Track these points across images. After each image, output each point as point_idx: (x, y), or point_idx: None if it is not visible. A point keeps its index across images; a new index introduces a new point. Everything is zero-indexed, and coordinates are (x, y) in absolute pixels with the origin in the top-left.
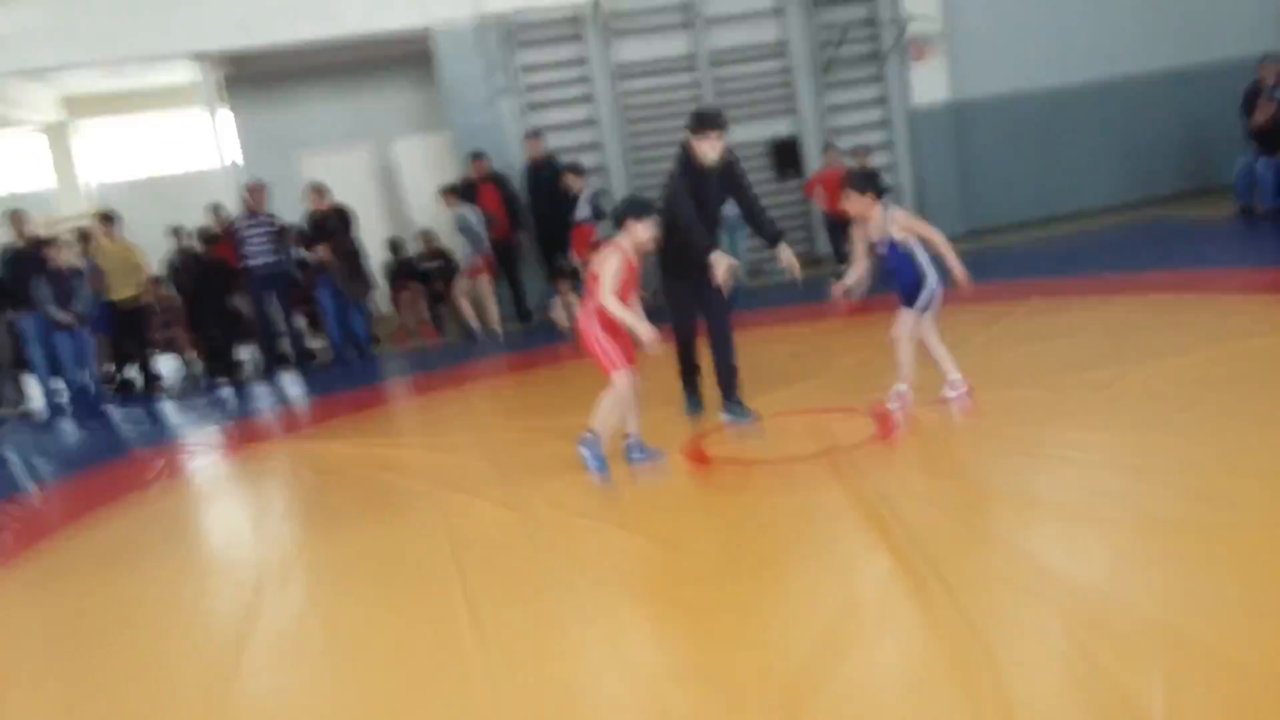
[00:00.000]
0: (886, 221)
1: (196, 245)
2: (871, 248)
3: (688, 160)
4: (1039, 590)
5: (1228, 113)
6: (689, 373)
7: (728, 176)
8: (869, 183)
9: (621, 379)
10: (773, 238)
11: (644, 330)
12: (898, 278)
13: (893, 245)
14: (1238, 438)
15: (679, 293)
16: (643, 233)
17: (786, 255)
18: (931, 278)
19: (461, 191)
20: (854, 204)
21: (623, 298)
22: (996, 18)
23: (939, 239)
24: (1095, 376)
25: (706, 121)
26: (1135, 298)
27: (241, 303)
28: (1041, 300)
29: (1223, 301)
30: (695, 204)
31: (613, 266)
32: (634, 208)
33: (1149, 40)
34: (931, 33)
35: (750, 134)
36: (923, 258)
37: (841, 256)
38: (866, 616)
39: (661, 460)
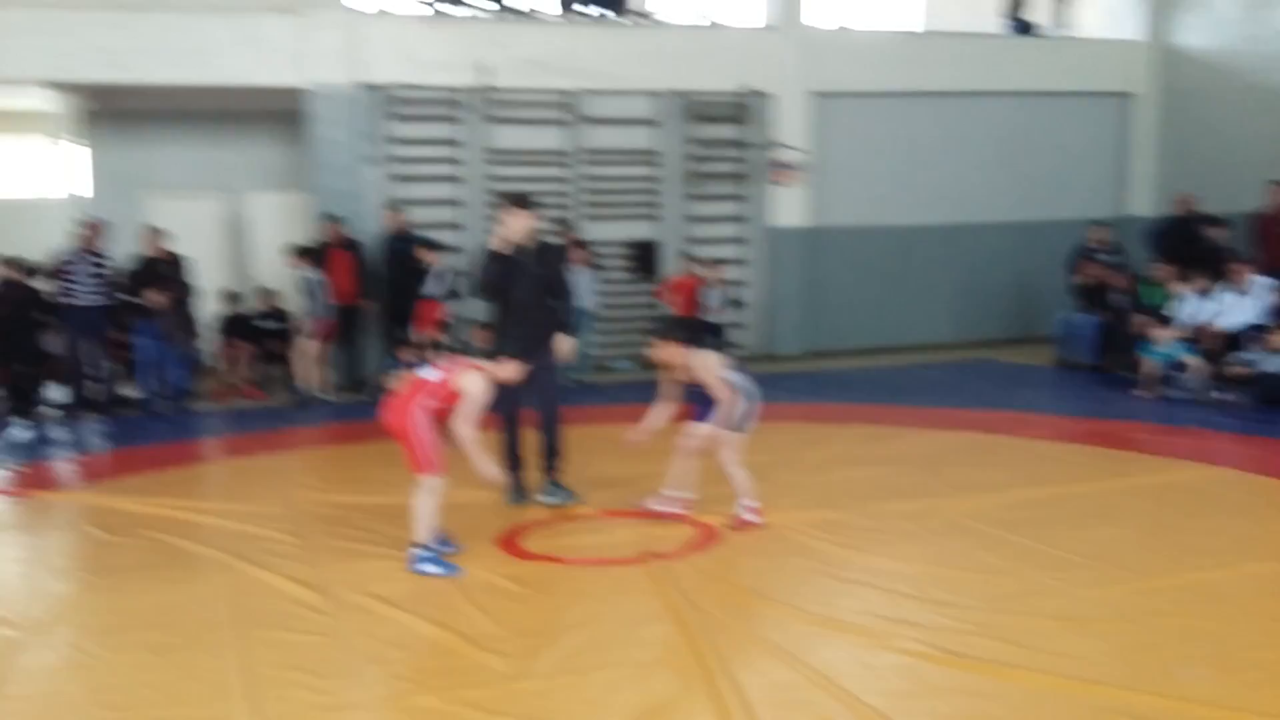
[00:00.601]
0: (696, 367)
1: (14, 274)
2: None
3: (499, 252)
4: (831, 713)
5: (1058, 270)
6: (514, 462)
7: (545, 263)
8: (675, 331)
9: (438, 482)
10: (562, 326)
11: (487, 469)
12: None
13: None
14: (1036, 580)
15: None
16: (507, 370)
17: (565, 345)
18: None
19: (313, 253)
20: (660, 351)
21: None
22: (859, 154)
23: (724, 398)
24: (909, 507)
25: (520, 202)
26: (957, 433)
27: (53, 341)
28: (868, 426)
29: (1038, 446)
30: (509, 295)
31: (480, 393)
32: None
33: (995, 193)
34: (796, 160)
35: (612, 233)
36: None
37: None
38: None
39: (459, 573)
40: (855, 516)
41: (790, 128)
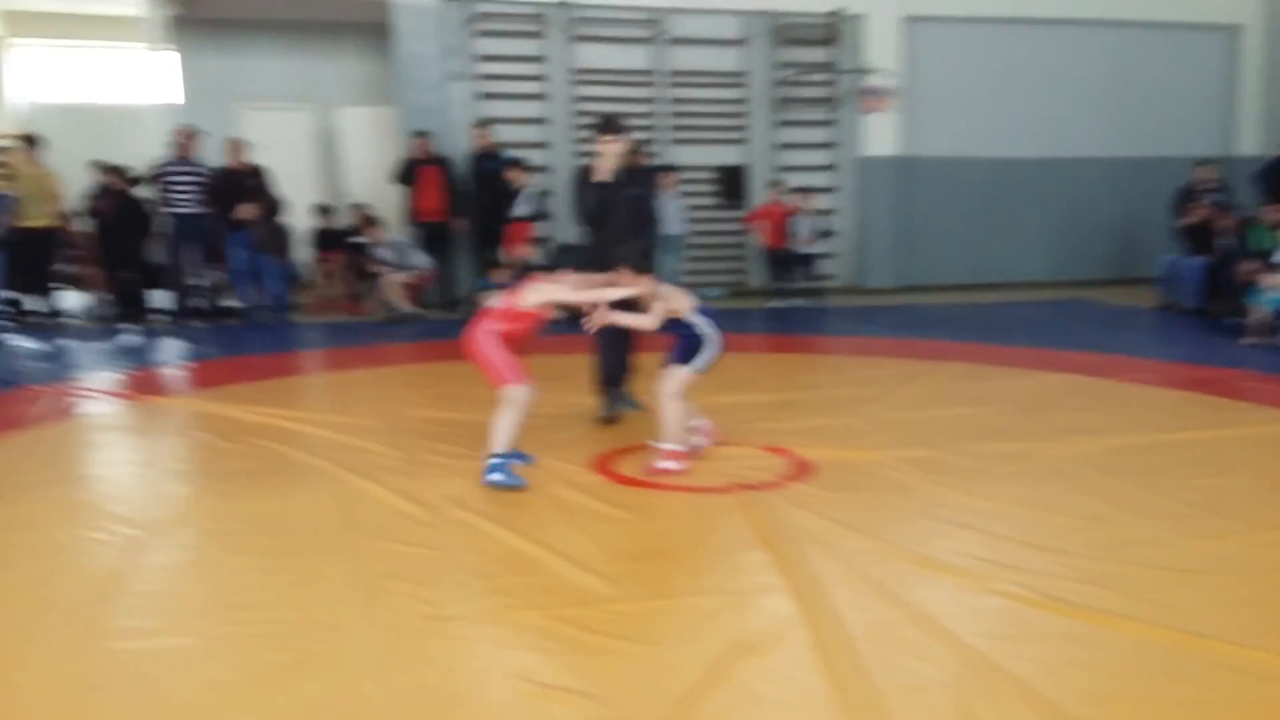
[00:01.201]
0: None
1: (117, 182)
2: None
3: (588, 172)
4: (932, 652)
5: (1161, 208)
6: (608, 379)
7: (636, 183)
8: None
9: (522, 392)
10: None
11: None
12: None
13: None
14: (1140, 528)
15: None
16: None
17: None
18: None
19: (403, 171)
20: (624, 279)
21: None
22: (954, 81)
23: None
24: (1007, 448)
25: (608, 128)
26: (1055, 374)
27: (157, 248)
28: (964, 365)
29: (1139, 391)
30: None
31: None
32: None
33: (1098, 126)
34: (889, 87)
35: (699, 157)
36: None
37: (775, 292)
38: (758, 653)
39: (523, 485)
40: (952, 456)
41: (882, 52)
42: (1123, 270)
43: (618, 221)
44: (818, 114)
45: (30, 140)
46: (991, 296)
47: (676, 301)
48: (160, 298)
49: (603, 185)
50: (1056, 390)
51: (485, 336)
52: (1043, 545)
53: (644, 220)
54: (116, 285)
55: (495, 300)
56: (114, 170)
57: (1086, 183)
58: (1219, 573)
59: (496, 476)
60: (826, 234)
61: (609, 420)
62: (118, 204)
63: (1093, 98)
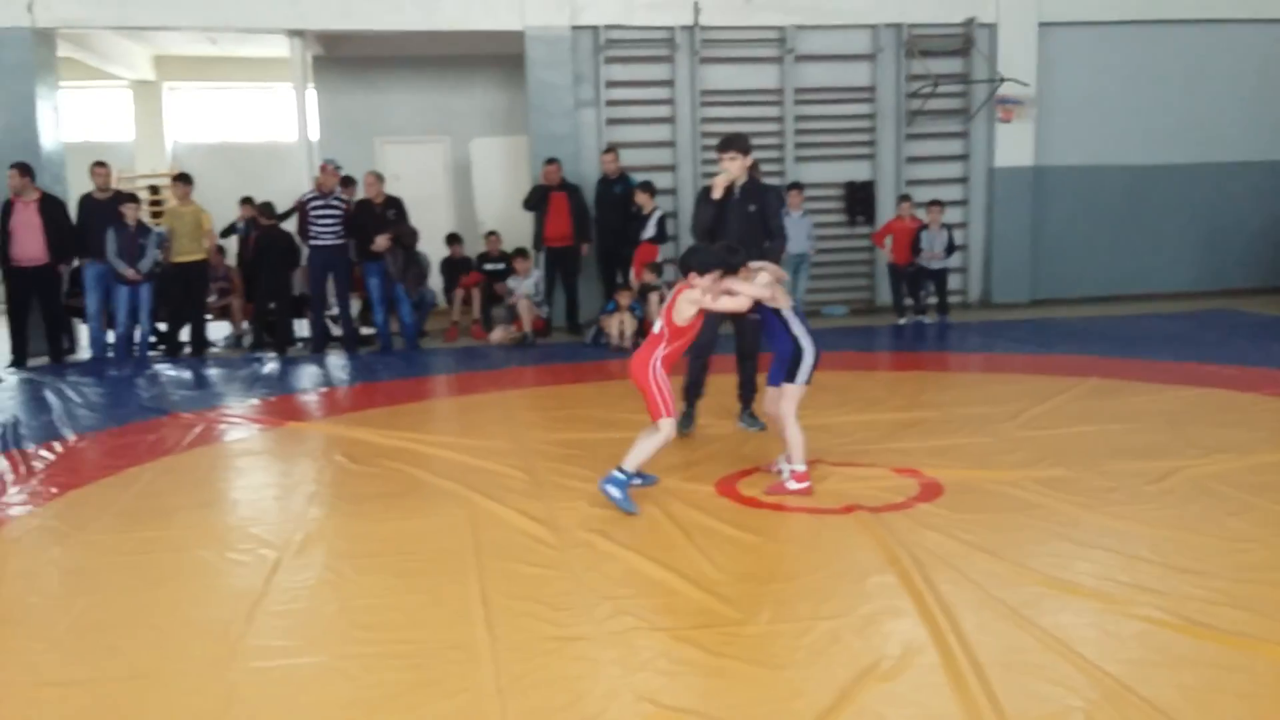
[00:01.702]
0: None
1: (261, 217)
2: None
3: (709, 190)
4: (1067, 678)
5: None
6: (694, 392)
7: (753, 198)
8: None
9: (670, 426)
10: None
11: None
12: (775, 346)
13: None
14: None
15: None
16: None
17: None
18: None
19: (533, 197)
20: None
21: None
22: (1090, 87)
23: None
24: (1149, 467)
25: (725, 144)
26: (1199, 389)
27: (298, 279)
28: (1102, 380)
29: None
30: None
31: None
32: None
33: (1244, 129)
34: (1023, 95)
35: (827, 174)
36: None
37: (902, 309)
38: (888, 678)
39: (634, 511)
40: (1089, 475)
41: (1016, 60)
42: (1273, 279)
43: (731, 235)
44: (949, 126)
45: (183, 179)
46: (1130, 309)
47: (781, 299)
48: (301, 327)
49: (715, 201)
50: (1200, 406)
51: (653, 365)
52: (1185, 568)
53: (758, 234)
54: (259, 316)
55: (656, 324)
56: (256, 205)
57: (1231, 188)
58: None
59: (615, 492)
60: (957, 247)
61: (684, 435)
62: (260, 238)
63: (1237, 99)
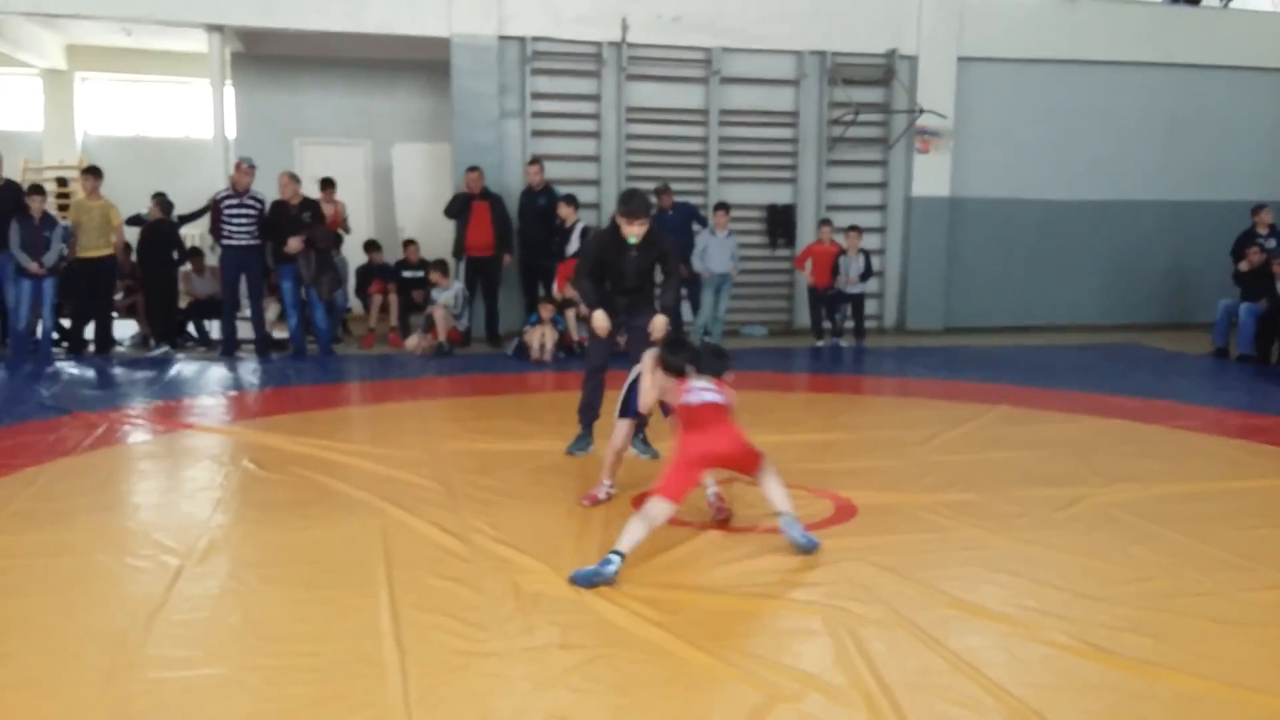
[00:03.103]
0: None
1: (156, 211)
2: None
3: (614, 231)
4: (975, 700)
5: (1217, 253)
6: (589, 414)
7: (652, 248)
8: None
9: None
10: (661, 307)
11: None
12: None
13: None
14: (1191, 578)
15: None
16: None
17: (659, 322)
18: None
19: (455, 205)
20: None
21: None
22: (1006, 122)
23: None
24: (1055, 494)
25: (634, 211)
26: (1104, 420)
27: (204, 280)
28: (1012, 408)
29: (1189, 439)
30: (609, 268)
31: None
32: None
33: (1153, 169)
34: (941, 127)
35: (749, 196)
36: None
37: (820, 332)
38: (798, 700)
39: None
40: (998, 500)
41: (936, 93)
42: (1176, 315)
43: (629, 280)
44: (869, 154)
45: (92, 172)
46: (1040, 339)
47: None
48: (210, 328)
49: (605, 236)
50: (1106, 436)
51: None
52: (1091, 594)
53: (650, 279)
54: (159, 315)
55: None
56: (155, 197)
57: (1139, 226)
58: (1271, 625)
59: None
60: (872, 273)
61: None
62: (148, 231)
63: (1148, 140)
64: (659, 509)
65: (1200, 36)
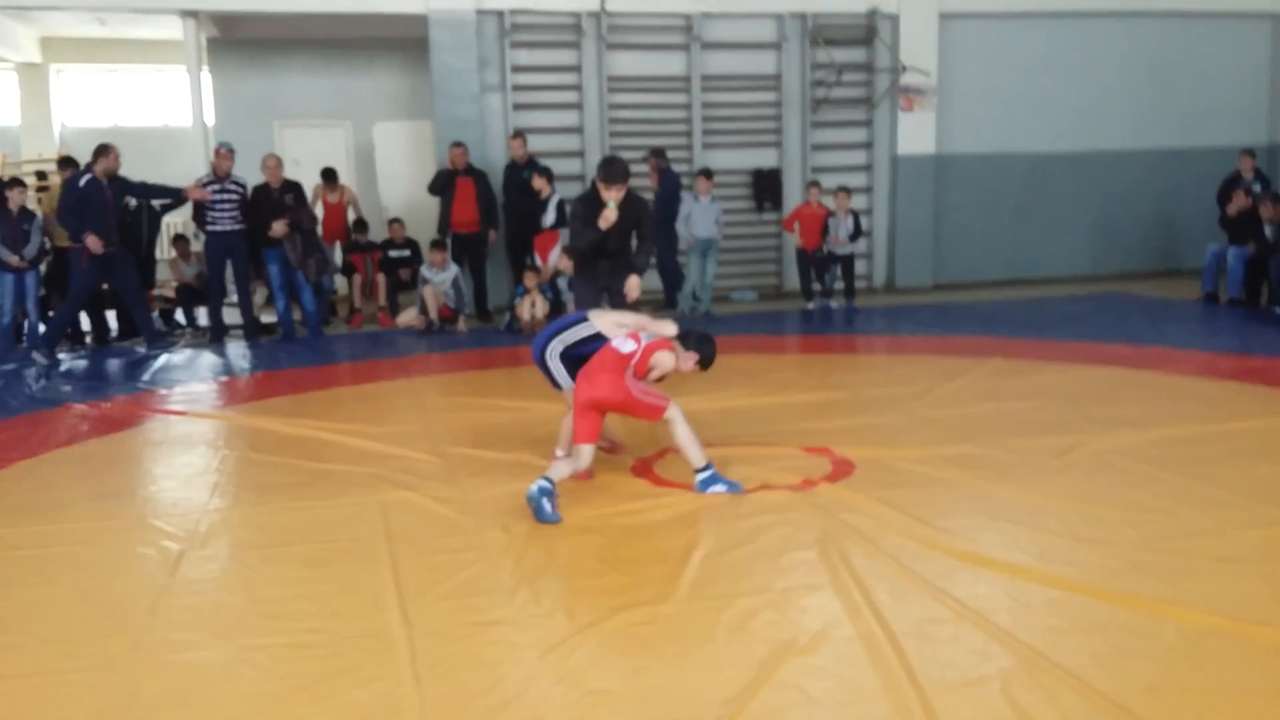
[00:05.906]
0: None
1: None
2: None
3: (594, 196)
4: (982, 647)
5: (1204, 199)
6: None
7: (631, 213)
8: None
9: (676, 409)
10: (635, 268)
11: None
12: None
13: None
14: (1191, 519)
15: (587, 289)
16: (684, 363)
17: (633, 283)
18: None
19: (439, 182)
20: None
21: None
22: (989, 78)
23: None
24: (1052, 442)
25: (612, 176)
26: (1097, 368)
27: (188, 266)
28: (1005, 360)
29: (1183, 383)
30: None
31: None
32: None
33: (1137, 118)
34: (924, 85)
35: (734, 161)
36: None
37: (810, 294)
38: (807, 654)
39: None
40: (995, 451)
41: (918, 50)
42: (1164, 263)
43: (610, 249)
44: (853, 114)
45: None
46: (1030, 292)
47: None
48: (198, 314)
49: (587, 202)
50: (1100, 384)
51: (628, 384)
52: (1092, 538)
53: (628, 245)
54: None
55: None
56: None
57: (1126, 176)
58: (1271, 560)
59: (718, 488)
60: (861, 233)
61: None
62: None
63: (1131, 90)
64: (582, 452)
65: None
